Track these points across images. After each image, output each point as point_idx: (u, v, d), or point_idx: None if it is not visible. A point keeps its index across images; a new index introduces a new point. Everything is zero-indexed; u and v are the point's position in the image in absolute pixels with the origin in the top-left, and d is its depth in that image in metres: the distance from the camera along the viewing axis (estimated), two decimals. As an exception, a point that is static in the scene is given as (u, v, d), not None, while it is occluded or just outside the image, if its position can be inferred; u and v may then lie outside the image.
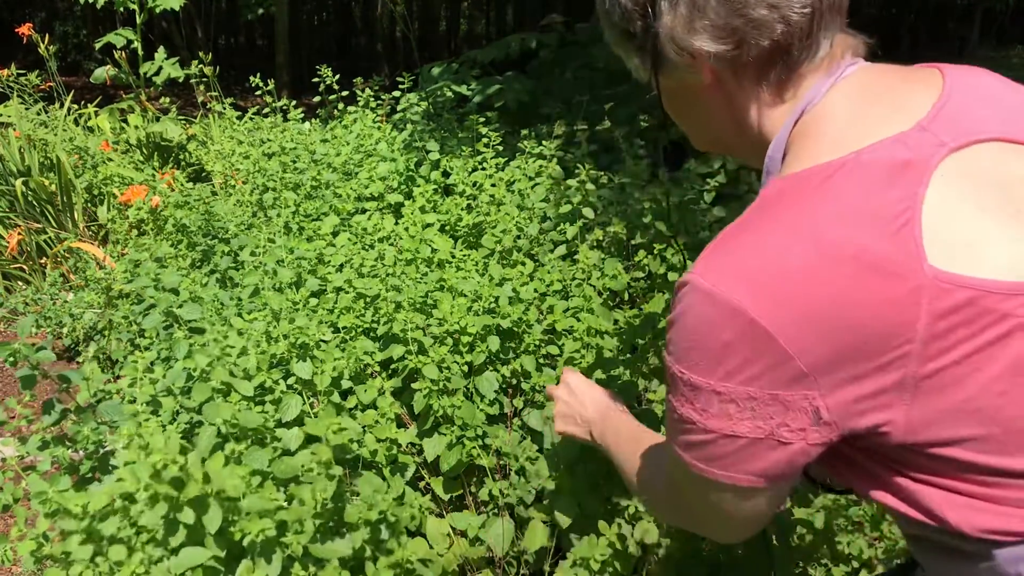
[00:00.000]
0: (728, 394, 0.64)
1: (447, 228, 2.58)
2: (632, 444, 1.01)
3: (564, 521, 1.46)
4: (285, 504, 1.27)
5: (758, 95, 0.73)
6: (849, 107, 0.68)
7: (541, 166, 2.80)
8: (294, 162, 3.17)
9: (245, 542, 1.18)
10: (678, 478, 0.77)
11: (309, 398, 1.65)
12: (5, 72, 4.55)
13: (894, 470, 0.65)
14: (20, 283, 3.45)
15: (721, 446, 0.67)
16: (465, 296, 1.92)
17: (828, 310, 0.59)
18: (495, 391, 1.75)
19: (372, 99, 3.78)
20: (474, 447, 1.62)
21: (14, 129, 3.98)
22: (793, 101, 0.72)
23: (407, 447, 1.71)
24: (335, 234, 2.53)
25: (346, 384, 1.72)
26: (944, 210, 0.60)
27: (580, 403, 1.16)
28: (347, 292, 1.99)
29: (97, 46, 4.84)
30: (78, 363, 2.77)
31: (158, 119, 4.51)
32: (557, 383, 1.78)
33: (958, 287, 0.57)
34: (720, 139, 0.81)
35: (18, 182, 3.56)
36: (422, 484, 1.77)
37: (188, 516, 1.16)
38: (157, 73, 4.53)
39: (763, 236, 0.63)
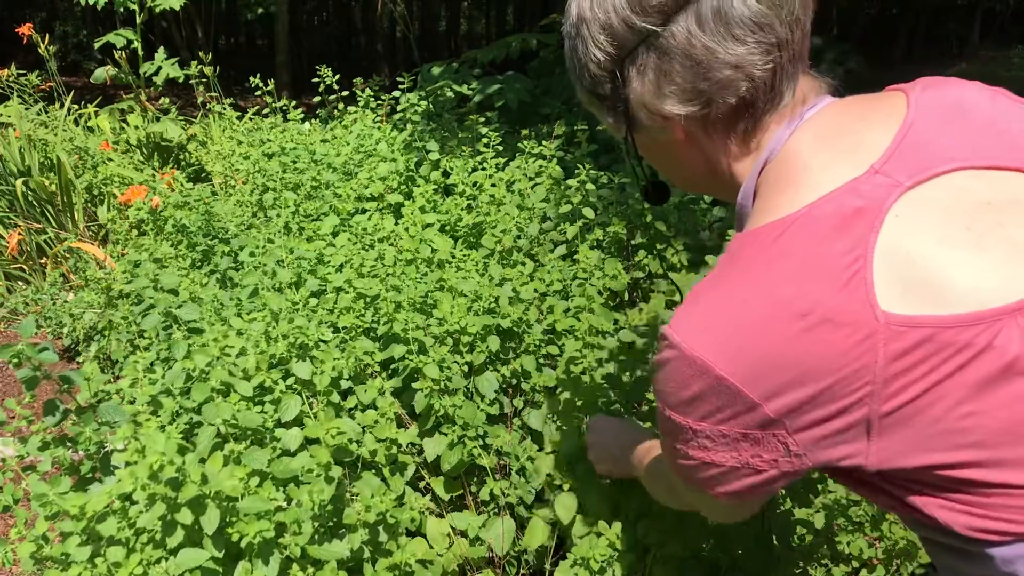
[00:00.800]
0: (704, 431, 0.71)
1: (447, 228, 2.58)
2: (644, 455, 1.14)
3: (565, 516, 1.46)
4: (284, 504, 1.27)
5: (727, 147, 0.77)
6: (807, 153, 0.71)
7: (541, 166, 2.80)
8: (294, 162, 3.17)
9: (243, 543, 1.18)
10: (676, 482, 0.86)
11: (309, 398, 1.65)
12: (5, 72, 4.55)
13: (882, 488, 0.68)
14: (20, 283, 3.45)
15: (704, 471, 0.74)
16: (465, 296, 1.92)
17: (787, 361, 0.63)
18: (495, 391, 1.75)
19: (372, 99, 3.78)
20: (475, 447, 1.62)
21: (14, 129, 3.98)
22: (757, 151, 0.76)
23: (407, 447, 1.71)
24: (335, 234, 2.53)
25: (346, 384, 1.72)
26: (898, 252, 0.61)
27: (607, 442, 1.30)
28: (347, 292, 1.98)
29: (97, 46, 4.84)
30: (78, 363, 2.77)
31: (158, 119, 4.51)
32: (555, 387, 1.79)
33: (912, 328, 0.59)
34: (697, 184, 0.85)
35: (18, 182, 3.56)
36: (422, 484, 1.77)
37: (186, 517, 1.16)
38: (157, 73, 4.53)
39: (725, 293, 0.68)
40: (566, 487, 1.50)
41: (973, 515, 0.63)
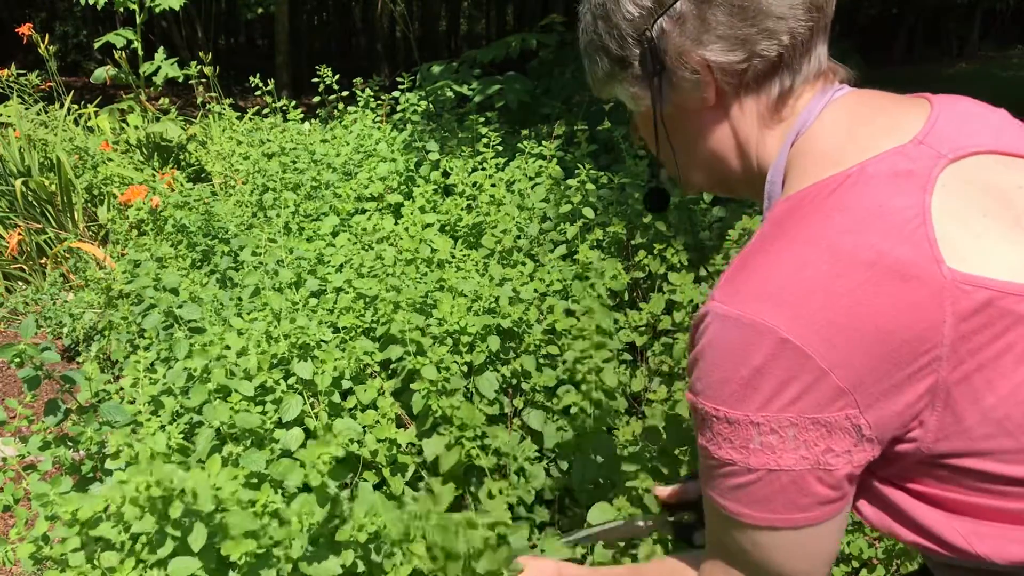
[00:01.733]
0: (768, 424, 0.62)
1: (447, 228, 2.58)
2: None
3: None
4: (279, 507, 1.26)
5: (758, 115, 0.73)
6: (845, 126, 0.69)
7: (541, 166, 2.80)
8: (294, 162, 3.17)
9: (231, 559, 1.17)
10: (733, 549, 0.70)
11: (309, 398, 1.65)
12: (5, 72, 4.55)
13: (917, 495, 0.65)
14: (20, 283, 3.45)
15: (768, 484, 0.64)
16: (465, 296, 1.92)
17: (854, 319, 0.58)
18: (495, 391, 1.75)
19: (372, 99, 3.78)
20: (473, 447, 1.62)
21: (14, 129, 3.98)
22: (790, 119, 0.72)
23: (407, 447, 1.71)
24: (335, 234, 2.53)
25: (346, 384, 1.72)
26: (950, 216, 0.60)
27: None
28: (347, 292, 1.99)
29: (97, 46, 4.84)
30: (78, 363, 2.77)
31: (158, 119, 4.51)
32: (555, 384, 1.79)
33: (977, 288, 0.57)
34: (715, 170, 0.80)
35: (18, 182, 3.56)
36: (422, 484, 1.77)
37: (174, 531, 1.16)
38: (156, 73, 4.54)
39: (778, 255, 0.62)
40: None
41: (1014, 542, 0.61)
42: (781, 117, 0.72)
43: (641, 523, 1.07)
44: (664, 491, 1.04)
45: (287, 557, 1.19)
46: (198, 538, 1.15)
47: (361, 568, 1.27)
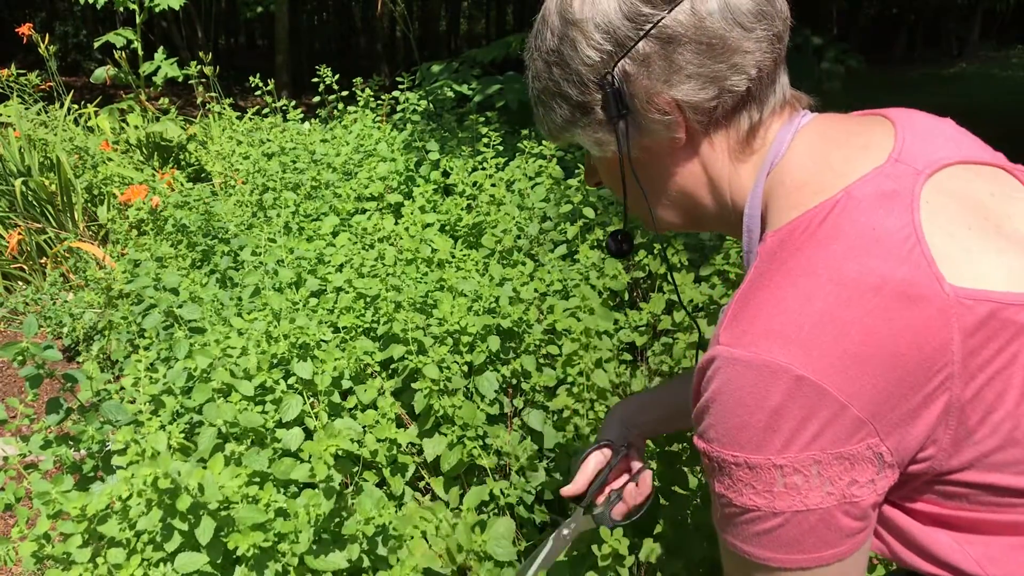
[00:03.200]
0: (791, 464, 0.60)
1: (447, 228, 2.58)
2: None
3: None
4: (284, 505, 1.27)
5: (729, 149, 0.72)
6: (820, 152, 0.69)
7: (541, 166, 2.80)
8: (294, 162, 3.17)
9: (238, 553, 1.18)
10: None
11: (309, 398, 1.65)
12: (5, 72, 4.55)
13: (925, 518, 0.64)
14: (20, 283, 3.46)
15: (795, 526, 0.61)
16: (465, 296, 1.92)
17: (867, 347, 0.58)
18: (495, 391, 1.75)
19: (372, 99, 3.78)
20: (474, 447, 1.62)
21: (14, 129, 3.98)
22: (762, 151, 0.72)
23: (407, 447, 1.71)
24: (335, 234, 2.53)
25: (346, 384, 1.72)
26: (940, 231, 0.60)
27: None
28: (347, 292, 1.99)
29: (96, 46, 4.85)
30: (78, 363, 2.77)
31: (158, 119, 4.51)
32: (555, 384, 1.79)
33: (979, 301, 0.57)
34: (687, 208, 0.78)
35: (18, 182, 3.56)
36: (422, 484, 1.77)
37: (181, 524, 1.16)
38: (156, 73, 4.54)
39: (780, 290, 0.61)
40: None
41: None
42: (752, 149, 0.72)
43: (565, 531, 1.10)
44: (569, 490, 1.06)
45: (293, 551, 1.20)
46: (206, 531, 1.16)
47: (366, 564, 1.28)
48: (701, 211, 0.77)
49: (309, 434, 1.61)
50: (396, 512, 1.40)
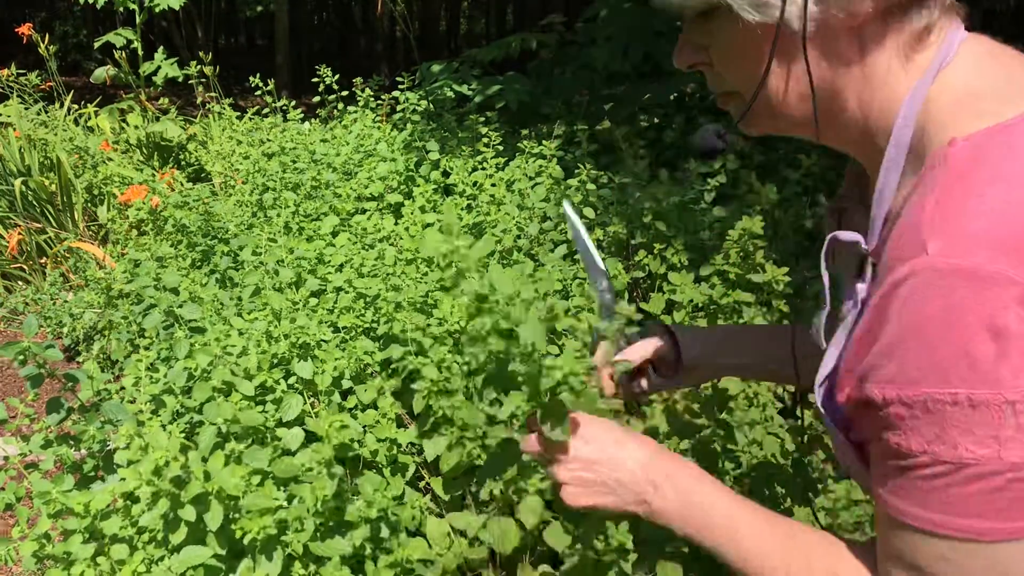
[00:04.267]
0: None
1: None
2: (771, 537, 0.68)
3: (531, 521, 1.46)
4: (285, 504, 1.27)
5: (898, 47, 0.61)
6: (994, 63, 0.60)
7: (541, 166, 2.80)
8: (294, 162, 3.17)
9: (246, 540, 1.18)
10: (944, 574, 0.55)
11: (310, 398, 1.65)
12: (5, 72, 4.55)
13: None
14: (20, 283, 3.46)
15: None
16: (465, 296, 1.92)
17: None
18: (495, 391, 1.75)
19: (372, 99, 3.78)
20: (474, 447, 1.62)
21: (14, 129, 3.98)
22: (928, 54, 0.61)
23: (407, 447, 1.71)
24: (335, 234, 2.53)
25: (346, 384, 1.72)
26: None
27: (611, 462, 0.78)
28: (347, 292, 1.99)
29: (96, 46, 4.84)
30: (78, 363, 2.77)
31: (158, 119, 4.52)
32: (556, 384, 1.77)
33: None
34: (822, 108, 0.65)
35: (18, 182, 3.56)
36: (422, 484, 1.77)
37: (189, 513, 1.16)
38: (156, 73, 4.54)
39: (999, 197, 0.52)
40: (532, 490, 1.50)
41: None
42: (923, 48, 0.61)
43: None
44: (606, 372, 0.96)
45: (298, 539, 1.20)
46: (215, 517, 1.16)
47: (368, 551, 1.28)
48: (834, 113, 0.65)
49: (309, 434, 1.62)
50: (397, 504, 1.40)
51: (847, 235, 0.64)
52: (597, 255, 0.99)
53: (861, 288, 0.63)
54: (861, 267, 0.64)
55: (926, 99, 0.60)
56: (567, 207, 0.99)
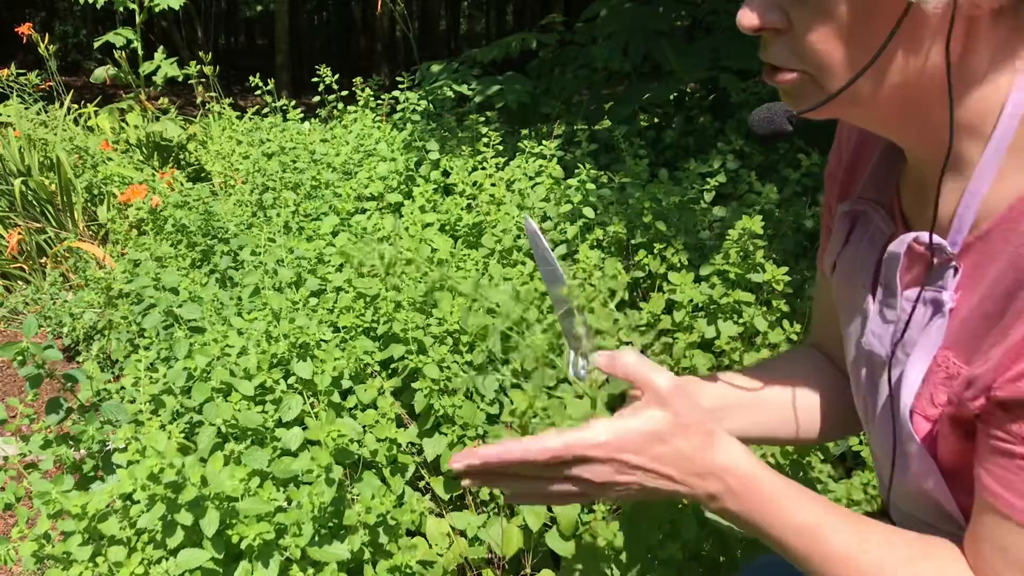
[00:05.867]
0: None
1: (447, 228, 2.58)
2: (854, 535, 0.63)
3: (535, 524, 1.46)
4: (285, 505, 1.27)
5: (1003, 39, 0.57)
6: None
7: (541, 166, 2.80)
8: (294, 162, 3.17)
9: (243, 545, 1.18)
10: None
11: (309, 398, 1.65)
12: (5, 72, 4.55)
13: None
14: (20, 283, 3.45)
15: None
16: (465, 296, 1.92)
17: None
18: (495, 391, 1.75)
19: (372, 99, 3.78)
20: (475, 446, 1.62)
21: (14, 129, 3.98)
22: None
23: (407, 447, 1.71)
24: (335, 234, 2.53)
25: (346, 384, 1.72)
26: None
27: (664, 441, 0.65)
28: (347, 292, 1.99)
29: (96, 45, 4.84)
30: (78, 363, 2.77)
31: (158, 119, 4.52)
32: (556, 384, 1.78)
33: None
34: (908, 98, 0.59)
35: (18, 182, 3.56)
36: (422, 484, 1.77)
37: (186, 518, 1.16)
38: (156, 72, 4.54)
39: None
40: None
41: None
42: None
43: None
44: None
45: (296, 544, 1.20)
46: (211, 522, 1.16)
47: (367, 556, 1.28)
48: (926, 106, 0.60)
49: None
50: (396, 508, 1.40)
51: (934, 238, 0.61)
52: (558, 266, 0.89)
53: (948, 297, 0.62)
54: (932, 272, 0.63)
55: None
56: (527, 220, 0.90)
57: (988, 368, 0.56)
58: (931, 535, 0.65)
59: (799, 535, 0.63)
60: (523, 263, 2.19)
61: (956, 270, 0.61)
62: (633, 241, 2.39)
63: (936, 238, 0.61)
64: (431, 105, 3.71)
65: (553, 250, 2.39)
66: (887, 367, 0.69)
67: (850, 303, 0.77)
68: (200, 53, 4.69)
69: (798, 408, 0.89)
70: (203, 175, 4.22)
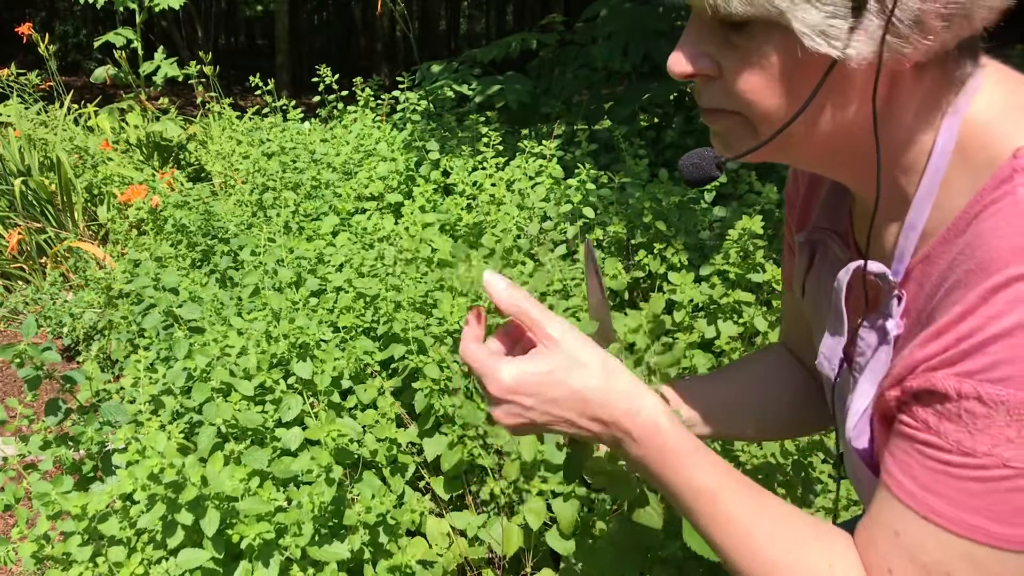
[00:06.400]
0: None
1: (447, 228, 2.58)
2: (750, 504, 0.64)
3: (535, 523, 1.46)
4: (285, 505, 1.27)
5: (933, 87, 0.60)
6: (1014, 81, 0.61)
7: (541, 165, 2.80)
8: (294, 162, 3.17)
9: (243, 545, 1.18)
10: (950, 568, 0.55)
11: (309, 398, 1.65)
12: (5, 72, 4.55)
13: None
14: (20, 283, 3.45)
15: None
16: (465, 296, 1.92)
17: None
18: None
19: (372, 99, 3.78)
20: (475, 447, 1.62)
21: (14, 129, 3.98)
22: (961, 87, 0.60)
23: (407, 447, 1.71)
24: (335, 234, 2.53)
25: (346, 384, 1.72)
26: None
27: (562, 383, 0.64)
28: (347, 292, 1.99)
29: (96, 45, 4.84)
30: (78, 363, 2.77)
31: (158, 119, 4.52)
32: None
33: None
34: (842, 145, 0.62)
35: (18, 182, 3.56)
36: (422, 484, 1.77)
37: (186, 518, 1.16)
38: (156, 72, 4.54)
39: None
40: (534, 491, 1.50)
41: None
42: (956, 86, 0.60)
43: None
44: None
45: (296, 544, 1.20)
46: (211, 522, 1.16)
47: (367, 555, 1.28)
48: (856, 149, 0.62)
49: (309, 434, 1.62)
50: (396, 508, 1.40)
51: (876, 267, 0.63)
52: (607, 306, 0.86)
53: (893, 325, 0.63)
54: (880, 300, 0.65)
55: (964, 122, 0.59)
56: (587, 244, 0.90)
57: (903, 358, 0.58)
58: (830, 524, 0.65)
59: (697, 494, 0.63)
60: (523, 263, 2.19)
61: (900, 299, 0.63)
62: (633, 241, 2.39)
63: (879, 267, 0.63)
64: (431, 105, 3.71)
65: (553, 250, 2.39)
66: (835, 391, 0.72)
67: (818, 326, 0.79)
68: (200, 53, 4.69)
69: (760, 406, 0.95)
70: (203, 175, 4.22)
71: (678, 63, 0.61)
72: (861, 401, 0.67)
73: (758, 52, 0.57)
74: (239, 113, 4.44)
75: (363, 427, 1.60)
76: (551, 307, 1.92)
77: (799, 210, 0.83)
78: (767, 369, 0.99)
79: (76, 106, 4.80)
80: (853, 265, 0.65)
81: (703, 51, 0.60)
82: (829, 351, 0.72)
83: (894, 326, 0.63)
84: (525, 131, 3.36)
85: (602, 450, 0.86)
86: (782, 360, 0.99)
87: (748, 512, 0.63)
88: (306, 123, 3.89)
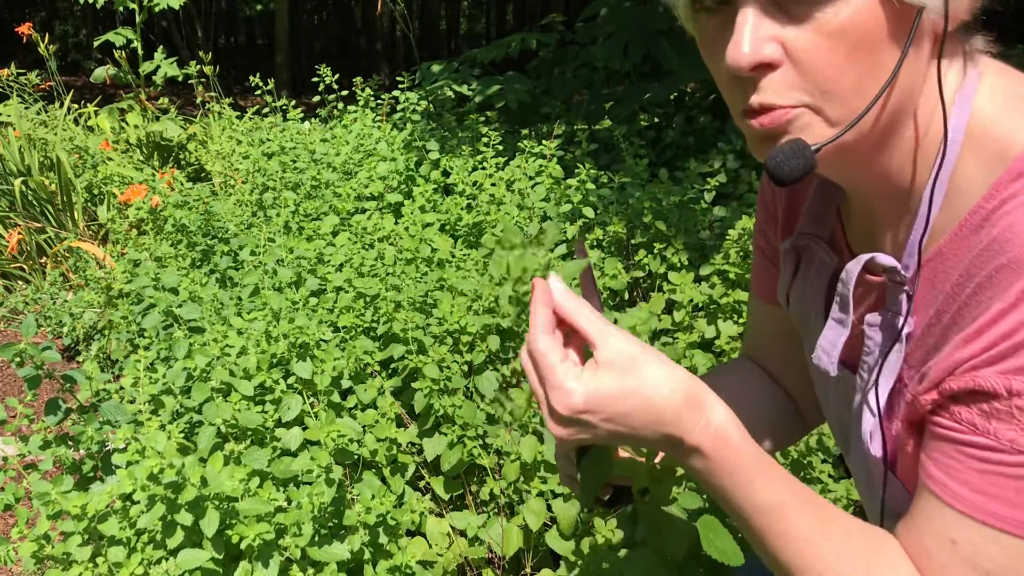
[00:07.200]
0: None
1: (447, 228, 2.58)
2: (817, 520, 0.60)
3: (535, 523, 1.46)
4: (284, 505, 1.27)
5: (961, 55, 0.59)
6: (1013, 73, 0.60)
7: (541, 165, 2.80)
8: (294, 162, 3.17)
9: (243, 545, 1.18)
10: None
11: (309, 398, 1.65)
12: (5, 72, 4.55)
13: None
14: (20, 283, 3.45)
15: None
16: (465, 295, 1.92)
17: None
18: (495, 390, 1.75)
19: (372, 98, 3.78)
20: (474, 447, 1.62)
21: (14, 129, 3.98)
22: (970, 66, 0.59)
23: (407, 447, 1.71)
24: (335, 234, 2.53)
25: (346, 384, 1.72)
26: None
27: (635, 396, 0.58)
28: (347, 291, 1.99)
29: (96, 45, 4.84)
30: (78, 363, 2.77)
31: (158, 118, 4.52)
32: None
33: None
34: (891, 120, 0.58)
35: (18, 181, 3.56)
36: (422, 483, 1.77)
37: (185, 518, 1.16)
38: (156, 72, 4.54)
39: None
40: (534, 492, 1.50)
41: None
42: (964, 71, 0.59)
43: None
44: None
45: (296, 544, 1.20)
46: (211, 523, 1.16)
47: (367, 556, 1.28)
48: (895, 125, 0.58)
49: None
50: (396, 508, 1.40)
51: (887, 260, 0.61)
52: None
53: (903, 322, 0.62)
54: (882, 298, 0.65)
55: (972, 110, 0.57)
56: (580, 244, 0.83)
57: (940, 360, 0.56)
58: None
59: (766, 512, 0.60)
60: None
61: (910, 296, 0.61)
62: (633, 241, 2.39)
63: (890, 260, 0.61)
64: (431, 105, 3.71)
65: (553, 250, 2.39)
66: (835, 389, 0.72)
67: (807, 334, 0.77)
68: (200, 53, 4.69)
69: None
70: (203, 175, 4.22)
71: (740, 55, 0.54)
72: (874, 400, 0.65)
73: (836, 18, 0.51)
74: (239, 113, 4.44)
75: (363, 427, 1.60)
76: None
77: (783, 217, 0.82)
78: (739, 386, 0.94)
79: (76, 106, 4.80)
80: (865, 257, 0.63)
81: (764, 36, 0.53)
82: (829, 344, 0.69)
83: (906, 323, 0.62)
84: (525, 131, 3.35)
85: (621, 452, 0.83)
86: (750, 374, 0.94)
87: (817, 529, 0.60)
88: (306, 123, 3.89)
